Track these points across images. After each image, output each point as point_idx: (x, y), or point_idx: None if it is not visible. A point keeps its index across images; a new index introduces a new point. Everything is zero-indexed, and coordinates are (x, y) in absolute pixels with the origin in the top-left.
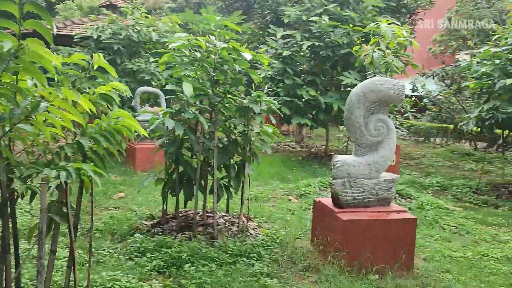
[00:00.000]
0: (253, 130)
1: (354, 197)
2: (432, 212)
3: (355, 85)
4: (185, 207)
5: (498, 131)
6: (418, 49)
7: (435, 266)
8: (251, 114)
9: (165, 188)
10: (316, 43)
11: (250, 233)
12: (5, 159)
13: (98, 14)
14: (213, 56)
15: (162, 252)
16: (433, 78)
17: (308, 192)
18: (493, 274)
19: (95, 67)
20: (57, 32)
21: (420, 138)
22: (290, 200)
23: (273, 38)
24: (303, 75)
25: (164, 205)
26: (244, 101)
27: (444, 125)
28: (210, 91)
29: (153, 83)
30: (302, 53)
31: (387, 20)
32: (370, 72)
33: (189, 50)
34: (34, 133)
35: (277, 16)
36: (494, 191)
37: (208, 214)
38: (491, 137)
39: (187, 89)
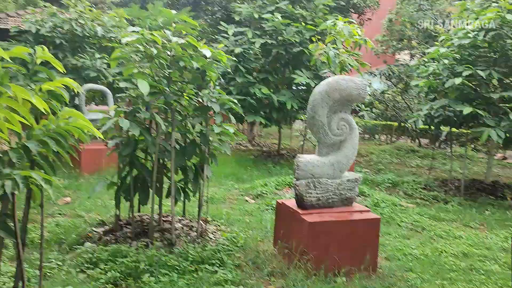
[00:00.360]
0: (213, 130)
1: (318, 198)
2: (388, 209)
3: (308, 83)
4: (138, 211)
5: (443, 128)
6: (362, 48)
7: (398, 265)
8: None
9: (118, 192)
10: (269, 41)
11: (210, 238)
12: None
13: (36, 7)
14: (168, 52)
15: (117, 262)
16: (380, 77)
17: (264, 192)
18: (453, 270)
19: (39, 61)
20: None
21: (366, 135)
22: (246, 201)
23: (223, 35)
24: (255, 73)
25: (117, 211)
26: (200, 99)
27: (389, 123)
28: (167, 89)
29: (98, 80)
30: (251, 51)
31: (339, 18)
32: (325, 71)
33: (144, 45)
34: None
35: (227, 13)
36: (442, 187)
37: (164, 219)
38: (433, 134)
39: (143, 87)
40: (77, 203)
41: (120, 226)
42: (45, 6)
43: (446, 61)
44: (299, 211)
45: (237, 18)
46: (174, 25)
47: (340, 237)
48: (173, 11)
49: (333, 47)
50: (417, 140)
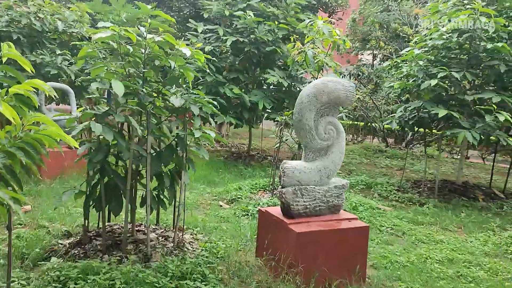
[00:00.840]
0: (192, 134)
1: (305, 206)
2: (366, 213)
3: (280, 83)
4: (109, 221)
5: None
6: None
7: (386, 274)
8: (187, 116)
9: (88, 202)
10: (241, 39)
11: (188, 248)
12: None
13: None
14: (142, 50)
15: (89, 281)
16: (350, 78)
17: (239, 196)
18: (441, 278)
19: (4, 60)
20: None
21: None
22: (221, 206)
23: (191, 32)
24: (225, 72)
25: (86, 221)
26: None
27: (355, 123)
28: (142, 90)
29: (59, 78)
30: (219, 50)
31: (319, 18)
32: (302, 72)
33: (118, 42)
34: None
35: (196, 10)
36: (415, 188)
37: (137, 229)
38: (399, 134)
39: (118, 88)
40: (38, 211)
41: (89, 238)
42: None
43: (421, 63)
44: (286, 220)
45: (206, 15)
46: (149, 20)
47: (329, 247)
48: (148, 6)
49: (312, 47)
50: (379, 140)
